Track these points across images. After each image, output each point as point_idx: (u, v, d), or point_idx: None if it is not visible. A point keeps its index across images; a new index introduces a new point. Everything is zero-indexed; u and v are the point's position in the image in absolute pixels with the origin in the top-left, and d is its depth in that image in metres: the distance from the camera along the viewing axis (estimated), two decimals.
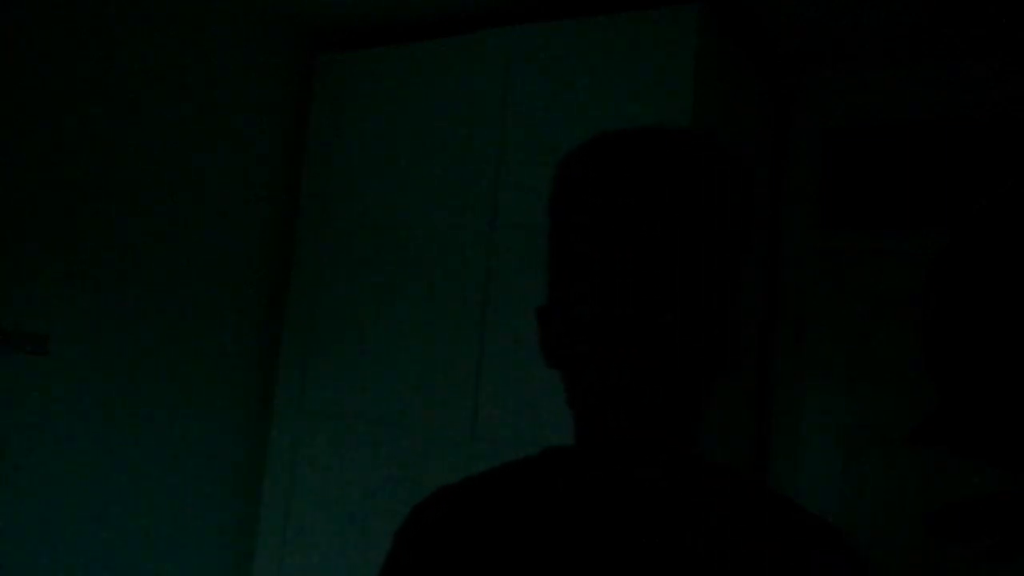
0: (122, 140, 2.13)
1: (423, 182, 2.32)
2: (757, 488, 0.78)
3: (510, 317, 2.13)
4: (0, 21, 1.89)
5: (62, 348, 2.01)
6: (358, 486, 2.29)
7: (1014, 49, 2.22)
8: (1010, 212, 0.72)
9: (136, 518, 2.18)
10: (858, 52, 2.35)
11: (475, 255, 2.20)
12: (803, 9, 2.16)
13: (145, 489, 2.20)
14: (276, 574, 2.38)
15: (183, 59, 2.27)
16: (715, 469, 0.79)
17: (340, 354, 2.38)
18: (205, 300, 2.34)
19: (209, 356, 2.36)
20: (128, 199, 2.15)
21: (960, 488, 2.10)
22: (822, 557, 0.72)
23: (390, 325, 2.31)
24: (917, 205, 2.30)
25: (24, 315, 1.94)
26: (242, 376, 2.46)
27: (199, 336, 2.33)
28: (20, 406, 1.93)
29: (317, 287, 2.45)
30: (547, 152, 2.15)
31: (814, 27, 2.24)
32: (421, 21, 2.45)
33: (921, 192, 2.30)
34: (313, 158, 2.53)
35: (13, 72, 1.91)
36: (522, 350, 2.10)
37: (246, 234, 2.46)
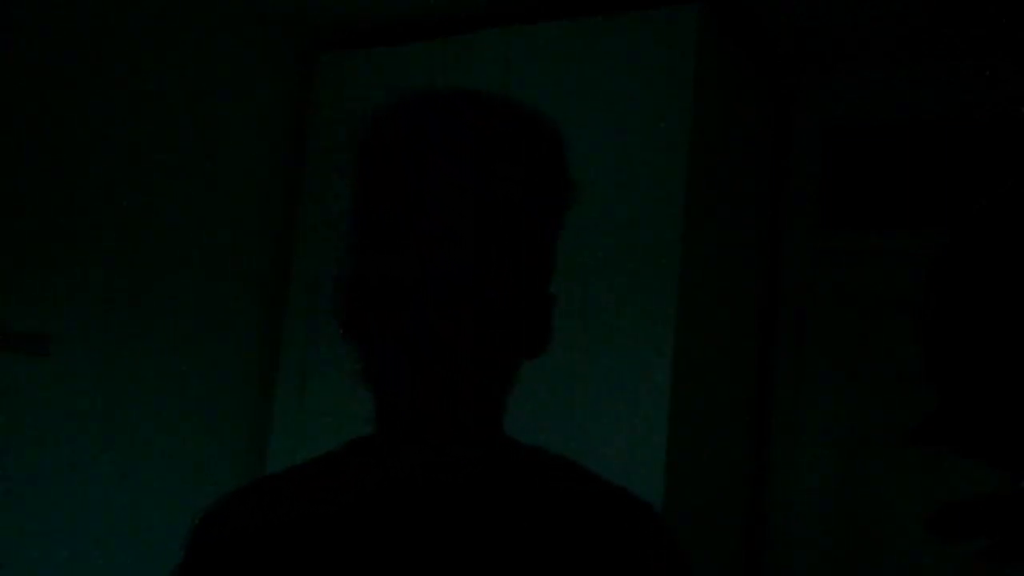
0: (122, 140, 2.13)
1: None
2: (564, 465, 0.78)
3: None
4: (0, 21, 1.89)
5: (62, 348, 2.01)
6: None
7: (1014, 49, 2.22)
8: (1010, 212, 0.72)
9: (136, 518, 2.18)
10: (858, 52, 2.35)
11: None
12: (803, 9, 2.16)
13: (145, 489, 2.20)
14: None
15: (183, 59, 2.27)
16: (518, 448, 0.78)
17: (340, 354, 2.37)
18: (205, 300, 2.34)
19: (209, 356, 2.36)
20: (128, 199, 2.15)
21: (960, 488, 2.09)
22: (632, 527, 0.72)
23: None
24: (917, 205, 2.30)
25: (24, 315, 1.94)
26: (242, 376, 2.46)
27: (199, 336, 2.33)
28: (20, 406, 1.93)
29: (317, 287, 2.45)
30: None
31: (814, 27, 2.24)
32: (421, 21, 2.45)
33: (921, 192, 2.30)
34: (313, 158, 2.53)
35: (13, 72, 1.91)
36: None
37: (246, 234, 2.46)
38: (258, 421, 2.49)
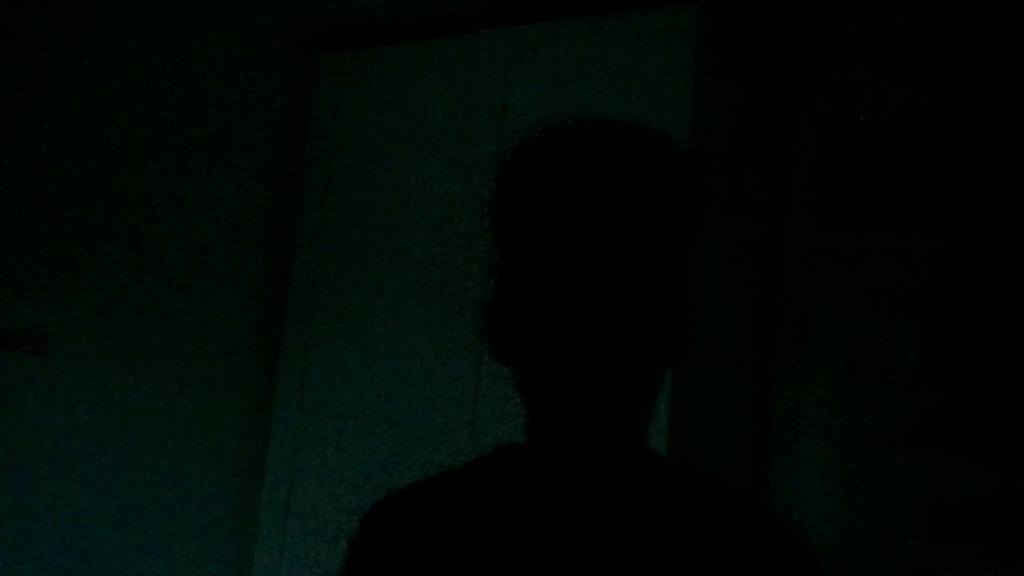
0: (122, 140, 2.13)
1: (423, 182, 2.32)
2: (710, 482, 0.79)
3: None
4: (1, 22, 1.89)
5: (62, 348, 2.01)
6: (358, 486, 2.29)
7: (1014, 49, 2.22)
8: (1010, 212, 0.72)
9: (136, 517, 2.18)
10: (858, 52, 2.35)
11: (475, 254, 2.20)
12: (803, 9, 2.16)
13: (145, 488, 2.20)
14: (276, 574, 2.38)
15: (183, 59, 2.27)
16: (666, 464, 0.80)
17: (340, 354, 2.37)
18: (205, 300, 2.34)
19: (209, 356, 2.36)
20: (128, 199, 2.15)
21: (960, 488, 2.10)
22: (776, 549, 0.74)
23: (390, 325, 2.31)
24: (917, 205, 2.30)
25: (24, 315, 1.94)
26: (242, 376, 2.46)
27: (199, 336, 2.33)
28: (20, 406, 1.93)
29: (317, 287, 2.45)
30: None
31: (814, 27, 2.24)
32: (421, 21, 2.45)
33: (921, 192, 2.30)
34: (313, 158, 2.53)
35: (13, 72, 1.91)
36: None
37: (246, 233, 2.46)
38: (258, 421, 2.49)
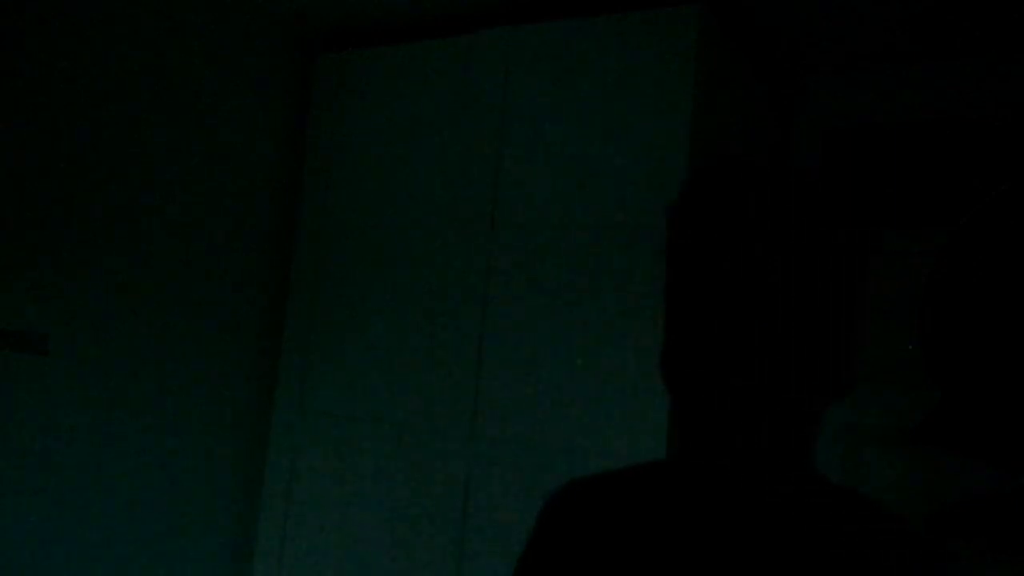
0: (122, 140, 2.13)
1: (423, 182, 2.32)
2: (874, 511, 0.82)
3: (510, 317, 2.13)
4: (2, 23, 1.89)
5: (62, 348, 2.01)
6: (358, 486, 2.29)
7: (1014, 49, 2.22)
8: (1010, 212, 0.72)
9: (136, 518, 2.18)
10: (858, 52, 2.35)
11: (475, 254, 2.20)
12: (803, 10, 2.16)
13: (145, 489, 2.20)
14: (276, 574, 2.38)
15: (183, 59, 2.27)
16: (830, 488, 0.83)
17: (340, 354, 2.38)
18: (205, 300, 2.34)
19: (209, 356, 2.36)
20: (128, 199, 2.15)
21: (960, 488, 2.10)
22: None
23: (390, 325, 2.31)
24: (917, 205, 2.30)
25: (24, 315, 1.94)
26: (242, 376, 2.46)
27: (199, 336, 2.33)
28: (20, 406, 1.93)
29: (317, 287, 2.45)
30: (547, 152, 2.15)
31: (814, 27, 2.24)
32: (421, 21, 2.45)
33: (921, 192, 2.30)
34: (313, 158, 2.53)
35: (13, 72, 1.91)
36: (521, 350, 2.10)
37: (246, 234, 2.46)
38: (258, 421, 2.50)
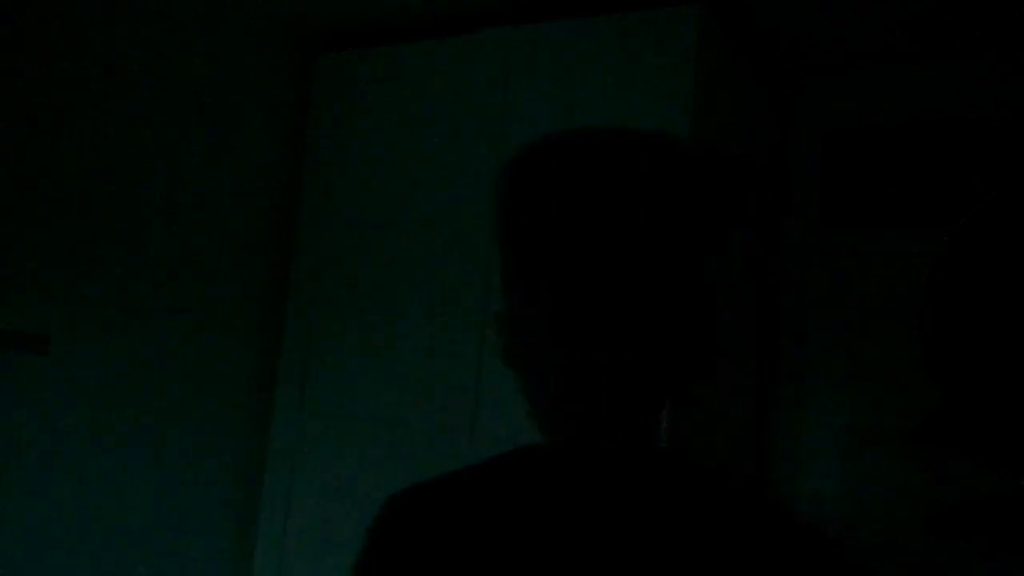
0: (122, 140, 2.13)
1: (423, 182, 2.32)
2: (723, 479, 0.80)
3: None
4: (1, 23, 1.89)
5: (62, 348, 2.01)
6: (358, 486, 2.29)
7: (1014, 49, 2.22)
8: (1010, 212, 0.72)
9: (136, 518, 2.18)
10: (858, 52, 2.35)
11: (475, 254, 2.20)
12: (803, 9, 2.16)
13: (145, 489, 2.20)
14: (276, 573, 2.38)
15: (183, 59, 2.27)
16: (681, 462, 0.80)
17: (340, 354, 2.38)
18: (205, 300, 2.34)
19: (209, 356, 2.36)
20: (128, 199, 2.15)
21: (960, 488, 2.10)
22: (811, 556, 0.73)
23: (390, 325, 2.31)
24: (917, 205, 2.30)
25: (24, 315, 1.94)
26: (242, 376, 2.46)
27: (199, 336, 2.33)
28: (20, 406, 1.93)
29: (317, 287, 2.45)
30: None
31: (814, 27, 2.24)
32: (421, 21, 2.45)
33: (921, 192, 2.30)
34: (313, 158, 2.53)
35: (12, 72, 1.91)
36: None
37: (246, 234, 2.46)
38: (258, 421, 2.49)
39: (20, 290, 1.93)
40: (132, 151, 2.16)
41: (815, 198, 2.44)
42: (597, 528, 0.74)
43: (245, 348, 2.46)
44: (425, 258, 2.29)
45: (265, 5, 2.45)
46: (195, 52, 2.30)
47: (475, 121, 2.26)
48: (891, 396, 2.25)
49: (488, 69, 2.26)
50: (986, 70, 2.26)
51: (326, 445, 2.35)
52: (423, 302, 2.27)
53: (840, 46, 2.33)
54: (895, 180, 2.34)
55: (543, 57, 2.19)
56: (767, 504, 0.76)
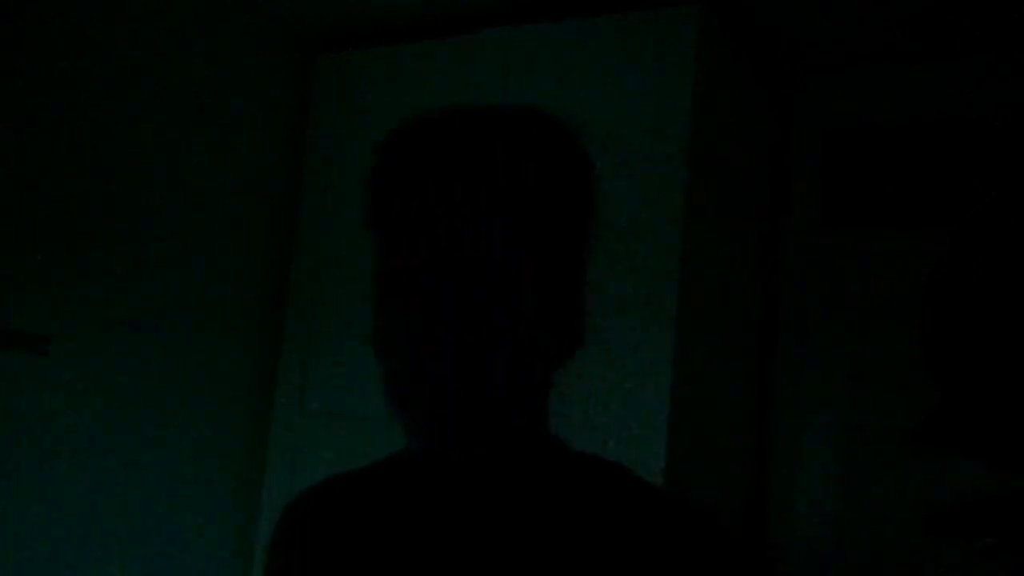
0: (122, 140, 2.13)
1: None
2: (615, 470, 0.80)
3: None
4: (0, 21, 1.89)
5: (62, 348, 2.01)
6: None
7: (1014, 49, 2.22)
8: (1010, 212, 0.72)
9: (136, 518, 2.18)
10: (858, 52, 2.35)
11: None
12: (803, 9, 2.16)
13: (145, 489, 2.20)
14: None
15: (183, 59, 2.27)
16: (564, 451, 0.80)
17: (340, 354, 2.37)
18: (205, 300, 2.34)
19: (209, 356, 2.36)
20: (128, 199, 2.15)
21: (960, 488, 2.10)
22: (686, 532, 0.72)
23: None
24: (917, 205, 2.30)
25: (24, 315, 1.94)
26: (242, 376, 2.46)
27: (199, 336, 2.33)
28: (20, 406, 1.93)
29: (317, 287, 2.45)
30: None
31: (814, 27, 2.24)
32: (421, 21, 2.45)
33: (921, 192, 2.30)
34: (313, 158, 2.53)
35: (13, 72, 1.91)
36: None
37: (247, 234, 2.46)
38: (258, 421, 2.49)
39: (20, 290, 1.93)
40: (132, 151, 2.16)
41: (815, 198, 2.44)
42: (463, 528, 0.74)
43: (245, 348, 2.46)
44: None
45: (265, 5, 2.45)
46: (195, 52, 2.30)
47: None
48: (891, 396, 2.25)
49: (488, 69, 2.26)
50: (986, 70, 2.26)
51: (326, 445, 2.35)
52: None
53: (840, 46, 2.33)
54: (895, 180, 2.34)
55: (543, 57, 2.18)
56: (637, 487, 0.76)
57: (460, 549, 0.73)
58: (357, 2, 2.38)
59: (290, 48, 2.58)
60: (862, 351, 2.32)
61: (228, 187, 2.40)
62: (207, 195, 2.34)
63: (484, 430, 0.73)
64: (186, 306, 2.29)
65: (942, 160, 2.29)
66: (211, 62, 2.34)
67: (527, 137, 0.74)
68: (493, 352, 0.70)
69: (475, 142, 0.72)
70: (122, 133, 2.13)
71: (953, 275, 0.73)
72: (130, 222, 2.15)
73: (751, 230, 2.39)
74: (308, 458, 2.37)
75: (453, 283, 0.70)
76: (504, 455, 0.75)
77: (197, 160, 2.31)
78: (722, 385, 2.23)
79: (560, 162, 0.76)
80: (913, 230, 2.29)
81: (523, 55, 2.21)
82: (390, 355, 0.76)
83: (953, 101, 2.30)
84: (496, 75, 2.24)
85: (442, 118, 0.76)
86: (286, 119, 2.57)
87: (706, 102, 2.05)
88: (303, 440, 2.39)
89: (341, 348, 2.37)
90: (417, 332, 0.72)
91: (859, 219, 2.38)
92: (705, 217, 2.07)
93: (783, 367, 2.41)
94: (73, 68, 2.02)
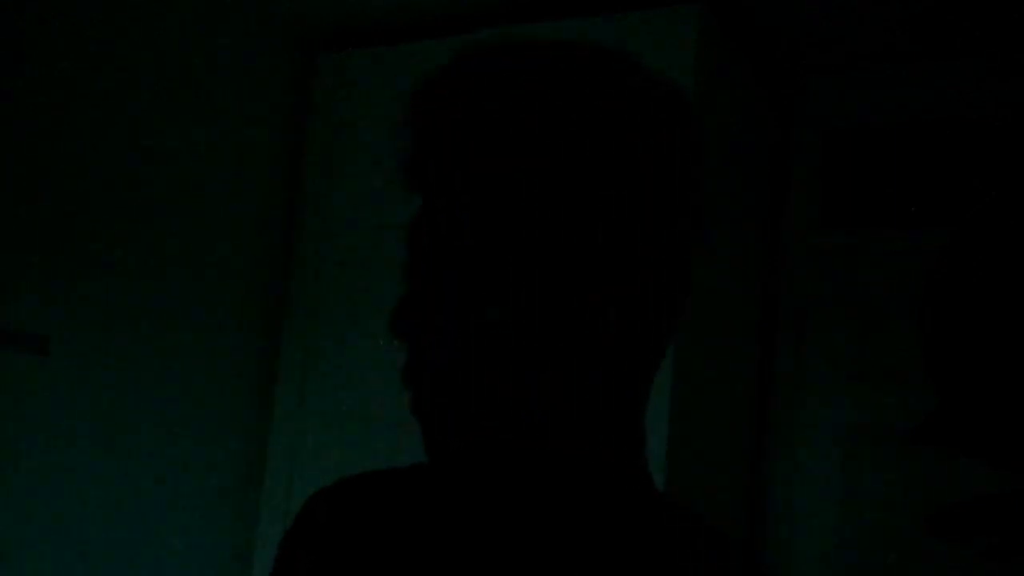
0: (122, 140, 2.13)
1: None
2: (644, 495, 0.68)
3: None
4: (1, 22, 1.89)
5: (62, 348, 2.01)
6: None
7: (1014, 49, 2.22)
8: (1010, 212, 0.72)
9: (136, 518, 2.18)
10: (858, 52, 2.35)
11: None
12: (803, 10, 2.16)
13: (145, 489, 2.20)
14: None
15: (183, 59, 2.27)
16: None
17: (340, 354, 2.37)
18: (205, 300, 2.34)
19: (209, 356, 2.36)
20: (128, 199, 2.15)
21: (960, 488, 2.09)
22: (716, 565, 0.64)
23: None
24: (917, 205, 2.30)
25: (24, 315, 1.94)
26: (242, 376, 2.46)
27: (199, 336, 2.33)
28: (20, 406, 1.93)
29: (317, 287, 2.45)
30: None
31: (815, 27, 2.24)
32: (421, 21, 2.45)
33: (921, 192, 2.30)
34: (313, 158, 2.53)
35: (12, 72, 1.91)
36: None
37: (246, 234, 2.46)
38: (258, 421, 2.49)
39: (20, 290, 1.93)
40: (132, 151, 2.16)
41: (815, 198, 2.44)
42: (509, 544, 0.65)
43: (245, 348, 2.46)
44: None
45: (265, 5, 2.45)
46: (195, 52, 2.30)
47: None
48: (891, 396, 2.25)
49: None
50: (986, 70, 2.26)
51: (326, 445, 2.35)
52: None
53: (840, 46, 2.33)
54: (895, 180, 2.34)
55: None
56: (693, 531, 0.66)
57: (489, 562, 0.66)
58: (357, 2, 2.38)
59: (290, 48, 2.58)
60: (862, 351, 2.32)
61: (228, 187, 2.40)
62: (207, 195, 2.34)
63: (524, 439, 0.61)
64: (186, 305, 2.29)
65: (942, 160, 2.28)
66: (211, 62, 2.34)
67: (619, 83, 0.58)
68: (576, 353, 0.58)
69: (562, 87, 0.57)
70: (122, 133, 2.13)
71: (953, 275, 0.73)
72: (130, 222, 2.15)
73: (751, 230, 2.39)
74: (308, 458, 2.37)
75: (513, 262, 0.56)
76: (558, 480, 0.63)
77: (197, 160, 2.31)
78: (722, 385, 2.23)
79: (664, 115, 0.61)
80: (913, 230, 2.29)
81: None
82: (409, 339, 0.63)
83: (953, 101, 2.30)
84: None
85: (506, 55, 0.60)
86: (286, 119, 2.57)
87: (706, 102, 2.05)
88: (303, 440, 2.39)
89: (341, 348, 2.37)
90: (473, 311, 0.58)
91: (859, 219, 2.38)
92: (705, 216, 2.07)
93: (783, 367, 2.40)
94: (73, 68, 2.02)
